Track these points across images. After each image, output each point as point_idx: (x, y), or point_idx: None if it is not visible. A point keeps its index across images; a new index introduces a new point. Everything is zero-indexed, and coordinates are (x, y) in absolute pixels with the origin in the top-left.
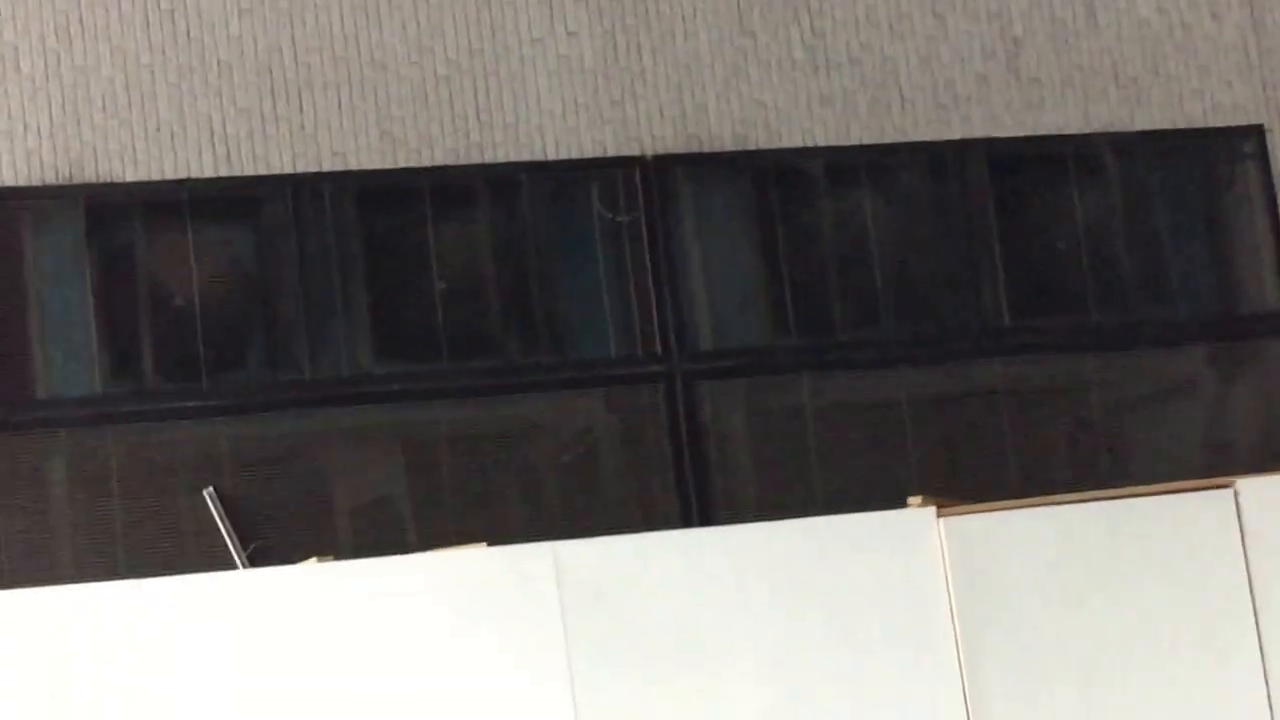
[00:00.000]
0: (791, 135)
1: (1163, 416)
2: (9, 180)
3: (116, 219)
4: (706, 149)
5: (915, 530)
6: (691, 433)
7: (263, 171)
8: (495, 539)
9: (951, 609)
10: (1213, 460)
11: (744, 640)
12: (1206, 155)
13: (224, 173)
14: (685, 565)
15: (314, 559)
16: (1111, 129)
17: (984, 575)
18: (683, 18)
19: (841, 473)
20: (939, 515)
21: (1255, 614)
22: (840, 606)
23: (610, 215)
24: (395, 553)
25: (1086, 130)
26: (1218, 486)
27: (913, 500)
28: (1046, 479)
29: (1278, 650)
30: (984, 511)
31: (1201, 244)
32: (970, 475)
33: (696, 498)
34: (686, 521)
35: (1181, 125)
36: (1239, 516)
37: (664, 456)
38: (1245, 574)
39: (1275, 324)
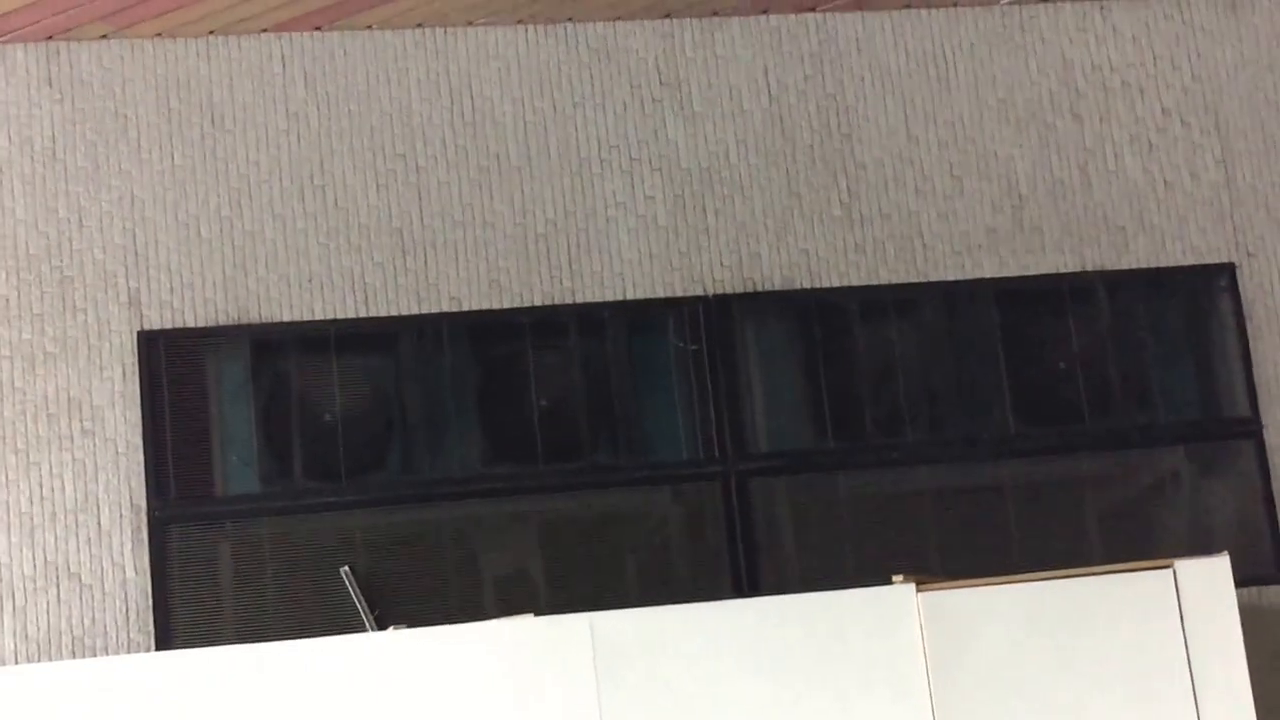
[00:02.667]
0: (830, 277)
1: (1149, 507)
2: (192, 322)
3: (276, 353)
4: (759, 289)
5: (897, 604)
6: (744, 521)
7: (394, 313)
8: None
9: (928, 674)
10: (1193, 543)
11: (736, 705)
12: (1186, 289)
13: (363, 314)
14: (702, 634)
15: (391, 628)
16: (1103, 268)
17: (956, 644)
18: (740, 184)
19: (870, 555)
20: (918, 591)
21: (1192, 683)
22: (827, 674)
23: (681, 344)
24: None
25: (1081, 269)
26: (1158, 567)
27: (896, 578)
28: (1046, 560)
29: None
30: (958, 588)
31: (1182, 362)
32: (981, 557)
33: (747, 576)
34: (739, 596)
35: (1163, 264)
36: (1178, 594)
37: (720, 542)
38: (1184, 646)
39: (1246, 427)
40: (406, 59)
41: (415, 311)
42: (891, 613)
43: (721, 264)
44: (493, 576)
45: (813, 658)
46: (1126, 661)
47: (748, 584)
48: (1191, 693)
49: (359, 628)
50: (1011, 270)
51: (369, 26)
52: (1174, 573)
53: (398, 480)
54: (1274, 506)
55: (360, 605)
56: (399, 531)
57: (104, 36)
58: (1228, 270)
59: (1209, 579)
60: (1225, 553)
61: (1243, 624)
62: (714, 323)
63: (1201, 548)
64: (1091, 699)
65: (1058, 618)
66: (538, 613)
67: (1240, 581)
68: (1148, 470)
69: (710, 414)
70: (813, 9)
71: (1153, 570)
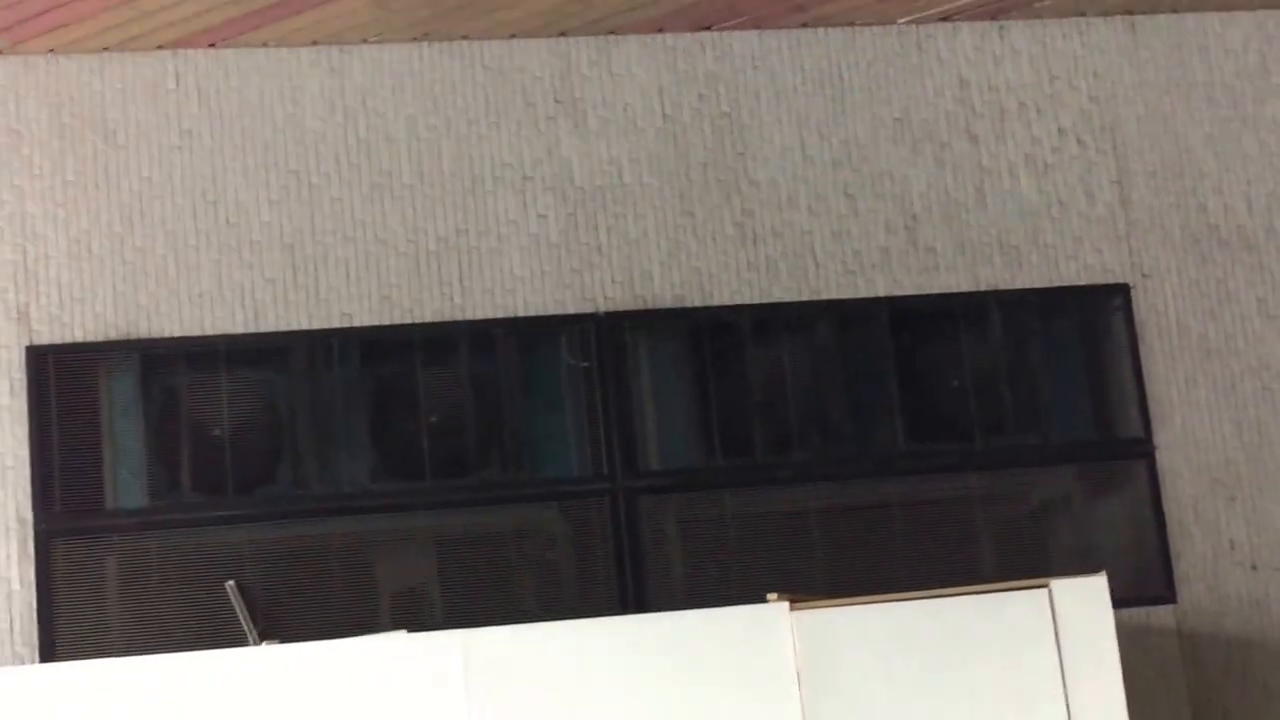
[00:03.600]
0: (722, 295)
1: (1040, 527)
2: (82, 338)
3: (166, 368)
4: (651, 307)
5: (770, 623)
6: (631, 539)
7: (284, 329)
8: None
9: (800, 693)
10: (1083, 564)
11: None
12: (1080, 309)
13: (253, 330)
14: (575, 652)
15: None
16: (996, 288)
17: (829, 663)
18: (634, 202)
19: (757, 573)
20: (792, 609)
21: (1067, 704)
22: (699, 693)
23: (573, 362)
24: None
25: (974, 289)
26: (1034, 586)
27: (770, 596)
28: (935, 580)
29: None
30: (830, 606)
31: (1075, 383)
32: (868, 575)
33: (634, 594)
34: (624, 612)
35: (1057, 284)
36: (1053, 613)
37: (608, 559)
38: (1058, 665)
39: (1138, 448)
40: (301, 76)
41: (306, 327)
42: (764, 631)
43: (613, 281)
44: (390, 592)
45: (685, 676)
46: (1001, 682)
47: (635, 601)
48: (1066, 713)
49: (244, 642)
50: (905, 289)
51: (264, 44)
52: (1050, 593)
53: (286, 495)
54: (1165, 527)
55: (244, 619)
56: (288, 546)
57: None
58: (1122, 291)
59: (1086, 599)
60: (1103, 573)
61: (1132, 644)
62: (605, 340)
63: (1092, 568)
64: (965, 715)
65: (932, 637)
66: (434, 628)
67: (1130, 602)
68: (1039, 490)
69: (600, 431)
70: (709, 27)
71: (1029, 590)
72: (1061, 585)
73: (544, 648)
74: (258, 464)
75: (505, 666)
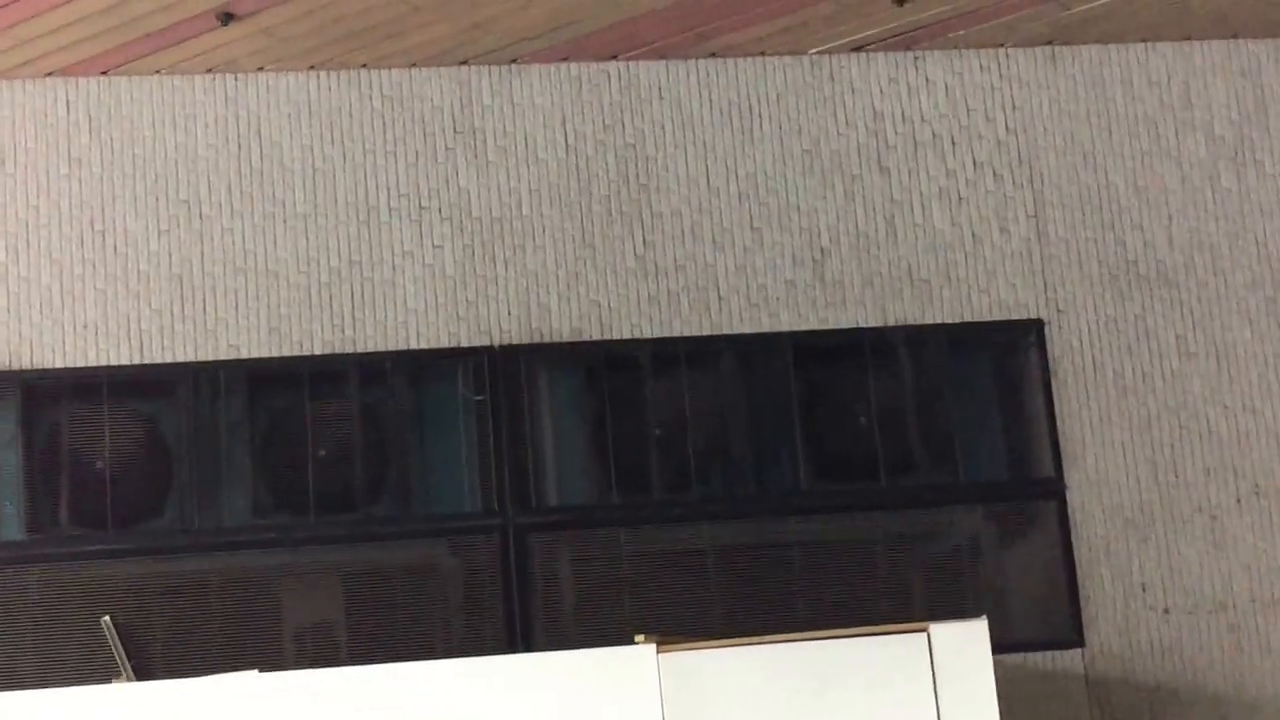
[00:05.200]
0: (621, 329)
1: (945, 569)
2: None
3: (48, 399)
4: (547, 340)
5: (637, 665)
6: (521, 577)
7: (170, 360)
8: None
9: None
10: (989, 607)
11: None
12: (992, 346)
13: (138, 361)
14: (431, 692)
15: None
16: (905, 323)
17: (697, 706)
18: (532, 234)
19: (650, 613)
20: (659, 651)
21: None
22: None
23: (467, 395)
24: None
25: (883, 324)
26: (912, 631)
27: (638, 638)
28: (832, 620)
29: None
30: (700, 649)
31: (986, 421)
32: (764, 616)
33: (522, 633)
34: (513, 650)
35: (969, 320)
36: (931, 658)
37: (495, 596)
38: (935, 711)
39: (1048, 488)
40: (194, 104)
41: (192, 359)
42: (631, 673)
43: (510, 314)
44: (293, 627)
45: (552, 718)
46: None
47: (523, 640)
48: None
49: (120, 679)
50: (810, 324)
51: (157, 71)
52: (928, 637)
53: (168, 530)
54: (1074, 569)
55: (118, 655)
56: (169, 582)
57: None
58: (1036, 327)
59: (965, 644)
60: (983, 617)
61: (1039, 689)
62: (500, 374)
63: (999, 612)
64: None
65: (806, 681)
66: (339, 664)
67: (1037, 645)
68: (945, 531)
69: (492, 467)
70: (614, 57)
71: (907, 634)
72: (940, 629)
73: (395, 690)
74: (140, 498)
75: (355, 709)
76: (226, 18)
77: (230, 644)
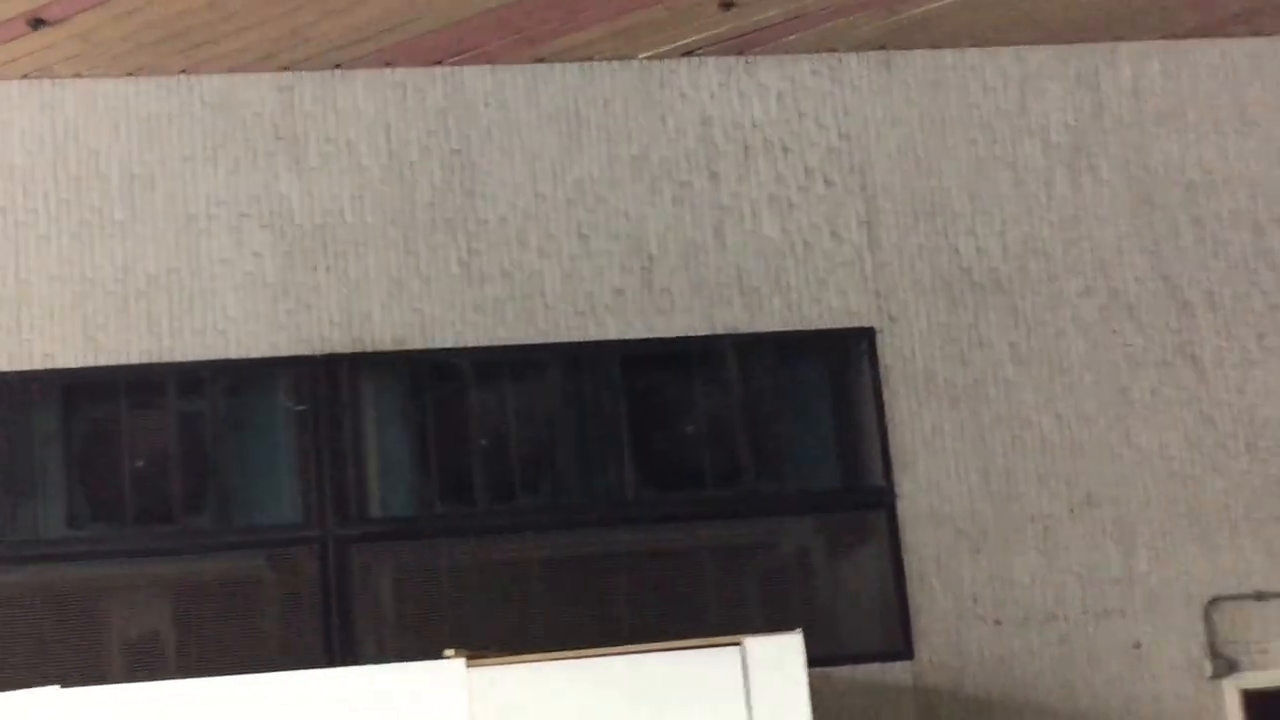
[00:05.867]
0: (445, 338)
1: (774, 579)
2: None
3: None
4: (369, 349)
5: (445, 680)
6: (341, 589)
7: None
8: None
9: None
10: (816, 618)
11: None
12: (822, 354)
13: None
14: (250, 710)
15: None
16: (735, 331)
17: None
18: (355, 241)
19: (471, 625)
20: (469, 666)
21: None
22: None
23: (289, 405)
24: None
25: (711, 332)
26: (727, 644)
27: (448, 652)
28: (660, 632)
29: None
30: (511, 664)
31: (816, 429)
32: (587, 627)
33: (341, 645)
34: (330, 663)
35: (799, 328)
36: (745, 671)
37: (315, 608)
38: None
39: (878, 497)
40: (10, 110)
41: (5, 369)
42: (439, 689)
43: (331, 323)
44: (117, 640)
45: None
46: None
47: (344, 653)
48: None
49: None
50: (638, 332)
51: None
52: (743, 650)
53: None
54: (904, 580)
55: None
56: None
57: None
58: (867, 335)
59: (779, 657)
60: (798, 630)
61: (866, 702)
62: (322, 384)
63: (827, 623)
64: None
65: (619, 696)
66: (168, 677)
67: (865, 658)
68: (775, 541)
69: (313, 478)
70: (440, 62)
71: (721, 648)
72: (754, 643)
73: (193, 703)
74: None
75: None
76: (37, 23)
77: (45, 658)
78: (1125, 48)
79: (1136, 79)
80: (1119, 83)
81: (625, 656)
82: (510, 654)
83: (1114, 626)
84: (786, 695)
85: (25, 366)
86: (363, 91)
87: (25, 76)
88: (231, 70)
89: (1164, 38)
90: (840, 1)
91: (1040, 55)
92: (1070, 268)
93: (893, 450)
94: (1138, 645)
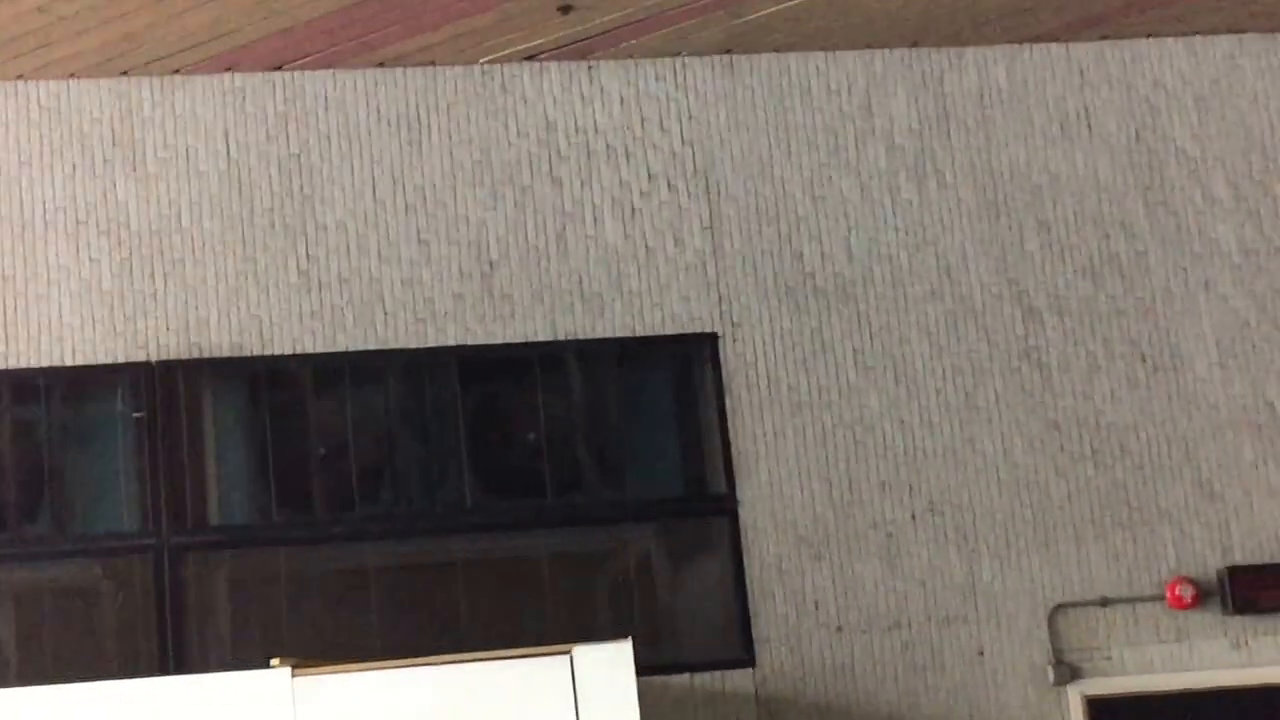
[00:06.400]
0: (283, 344)
1: (614, 587)
2: None
3: None
4: (207, 355)
5: (271, 689)
6: (175, 597)
7: None
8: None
9: None
10: (657, 626)
11: None
12: (665, 360)
13: None
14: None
15: None
16: (576, 337)
17: None
18: (192, 247)
19: (305, 634)
20: (294, 675)
21: None
22: None
23: (127, 411)
24: None
25: (552, 338)
26: (556, 653)
27: (274, 661)
28: (498, 641)
29: None
30: (339, 672)
31: (659, 436)
32: (429, 636)
33: (174, 655)
34: (165, 672)
35: (641, 334)
36: (573, 680)
37: (149, 617)
38: None
39: (721, 504)
40: None
41: None
42: (265, 698)
43: (168, 329)
44: None
45: None
46: None
47: (177, 663)
48: None
49: None
50: (478, 338)
51: None
52: (571, 659)
53: None
54: (745, 587)
55: None
56: None
57: None
58: (710, 340)
59: (609, 666)
60: (628, 639)
61: (708, 709)
62: (159, 390)
63: (668, 631)
64: None
65: (447, 704)
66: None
67: (706, 665)
68: (616, 548)
69: (148, 485)
70: (279, 67)
71: (550, 656)
72: (583, 651)
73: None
74: None
75: None
76: None
77: None
78: (971, 53)
79: (982, 83)
80: (965, 87)
81: (454, 665)
82: (343, 663)
83: (957, 633)
84: (615, 703)
85: None
86: (200, 96)
87: None
88: (71, 76)
89: (1010, 42)
90: (683, 4)
91: (886, 59)
92: (915, 273)
93: (735, 457)
94: (981, 652)
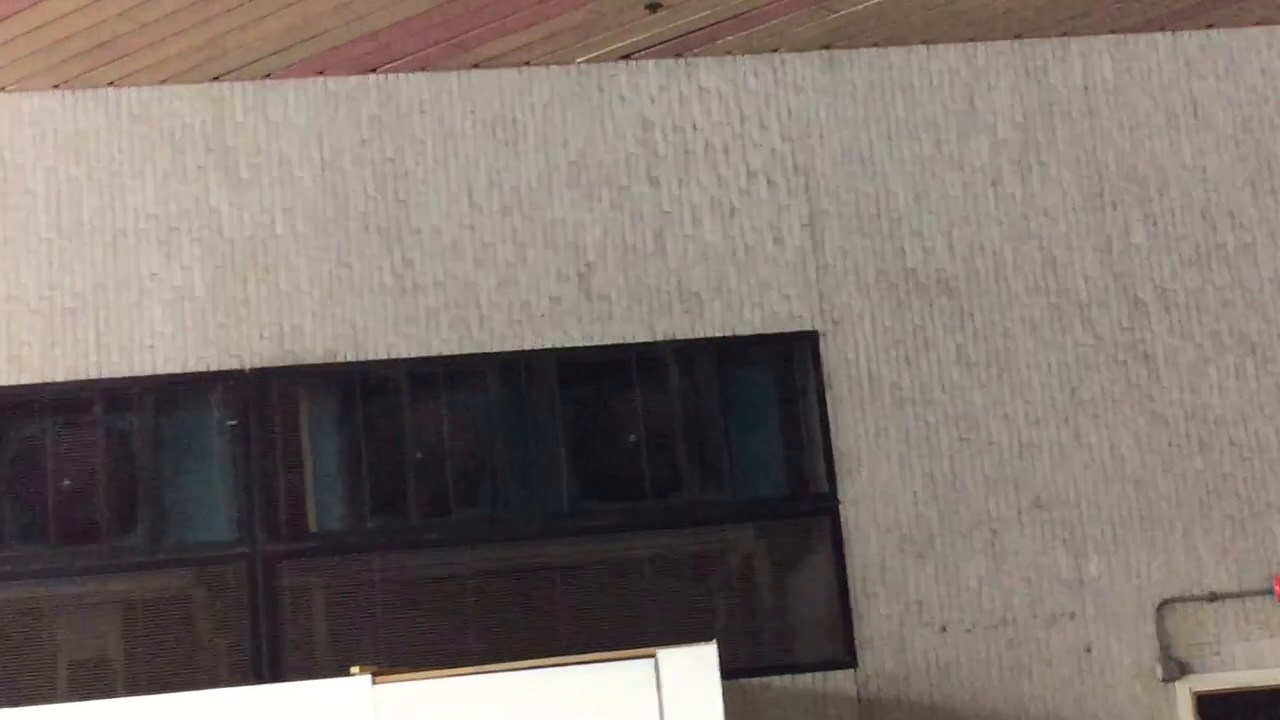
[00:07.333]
0: (377, 349)
1: (713, 588)
2: None
3: None
4: (301, 362)
5: (351, 697)
6: (269, 605)
7: None
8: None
9: None
10: (758, 627)
11: None
12: (764, 359)
13: None
14: None
15: None
16: (674, 338)
17: None
18: (285, 254)
19: (406, 639)
20: (375, 683)
21: None
22: None
23: (222, 420)
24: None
25: (651, 339)
26: (640, 656)
27: (353, 669)
28: (596, 644)
29: None
30: (418, 679)
31: (758, 436)
32: (527, 641)
33: (270, 662)
34: (260, 680)
35: (741, 333)
36: (658, 683)
37: (242, 625)
38: None
39: (821, 504)
40: None
41: None
42: (345, 706)
43: (262, 337)
44: (72, 660)
45: None
46: None
47: (271, 671)
48: None
49: None
50: (575, 341)
51: None
52: (655, 663)
53: None
54: (847, 587)
55: None
56: None
57: None
58: (810, 339)
59: (693, 669)
60: (713, 641)
61: (808, 711)
62: (252, 398)
63: (769, 632)
64: None
65: (529, 711)
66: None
67: (807, 667)
68: (716, 550)
69: (243, 493)
70: (373, 70)
71: (634, 660)
72: (668, 654)
73: None
74: None
75: None
76: None
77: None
78: (1075, 43)
79: (1086, 74)
80: (1069, 78)
81: (536, 670)
82: (416, 670)
83: (1064, 631)
84: (701, 706)
85: None
86: (293, 101)
87: None
88: (162, 82)
89: (1114, 32)
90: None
91: (988, 51)
92: (1019, 267)
93: (836, 456)
94: (1088, 649)
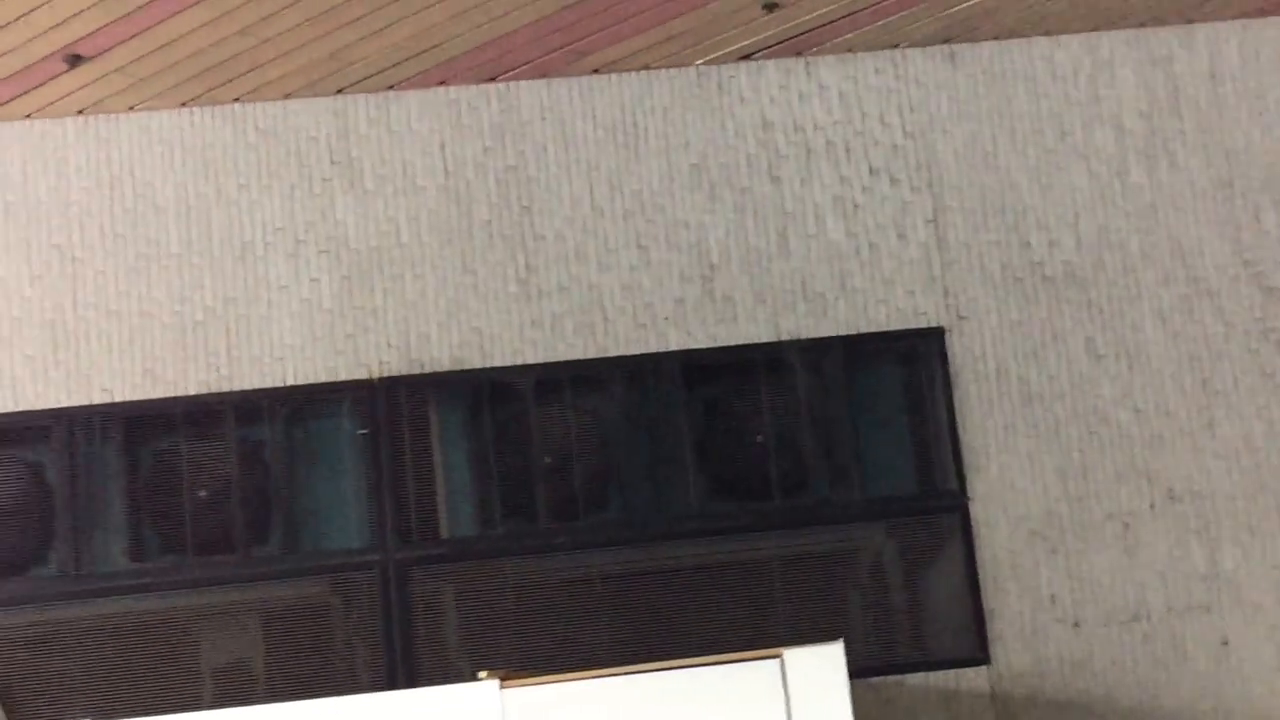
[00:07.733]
0: (504, 356)
1: (844, 588)
2: None
3: None
4: (428, 371)
5: (480, 702)
6: (403, 611)
7: (44, 407)
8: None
9: None
10: (889, 626)
11: None
12: (890, 357)
13: (12, 409)
14: None
15: None
16: (798, 338)
17: None
18: (411, 262)
19: (538, 643)
20: (503, 687)
21: None
22: None
23: (352, 429)
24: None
25: (776, 339)
26: (766, 657)
27: (481, 674)
28: (726, 645)
29: None
30: (546, 683)
31: (886, 434)
32: (657, 643)
33: (404, 668)
34: (394, 687)
35: (866, 331)
36: (785, 684)
37: (375, 632)
38: None
39: (950, 501)
40: (66, 148)
41: (65, 404)
42: (474, 711)
43: (389, 346)
44: (211, 668)
45: None
46: None
47: (406, 677)
48: None
49: None
50: (700, 342)
51: (27, 115)
52: (782, 663)
53: (52, 577)
54: (978, 584)
55: None
56: (42, 630)
57: None
58: (936, 335)
59: (819, 669)
60: (840, 641)
61: (942, 709)
62: (381, 407)
63: (901, 630)
64: None
65: (656, 712)
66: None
67: (940, 664)
68: (846, 548)
69: (374, 501)
70: (494, 78)
71: (760, 660)
72: (794, 655)
73: None
74: (25, 545)
75: None
76: (74, 59)
77: (104, 689)
78: (1200, 29)
79: (1213, 60)
80: (1194, 65)
81: (662, 672)
82: (545, 674)
83: (1200, 624)
84: (828, 706)
85: (85, 401)
86: (416, 111)
87: (80, 113)
88: (286, 97)
89: (1240, 16)
90: None
91: (1111, 41)
92: (1147, 257)
93: (965, 452)
94: (1226, 642)
